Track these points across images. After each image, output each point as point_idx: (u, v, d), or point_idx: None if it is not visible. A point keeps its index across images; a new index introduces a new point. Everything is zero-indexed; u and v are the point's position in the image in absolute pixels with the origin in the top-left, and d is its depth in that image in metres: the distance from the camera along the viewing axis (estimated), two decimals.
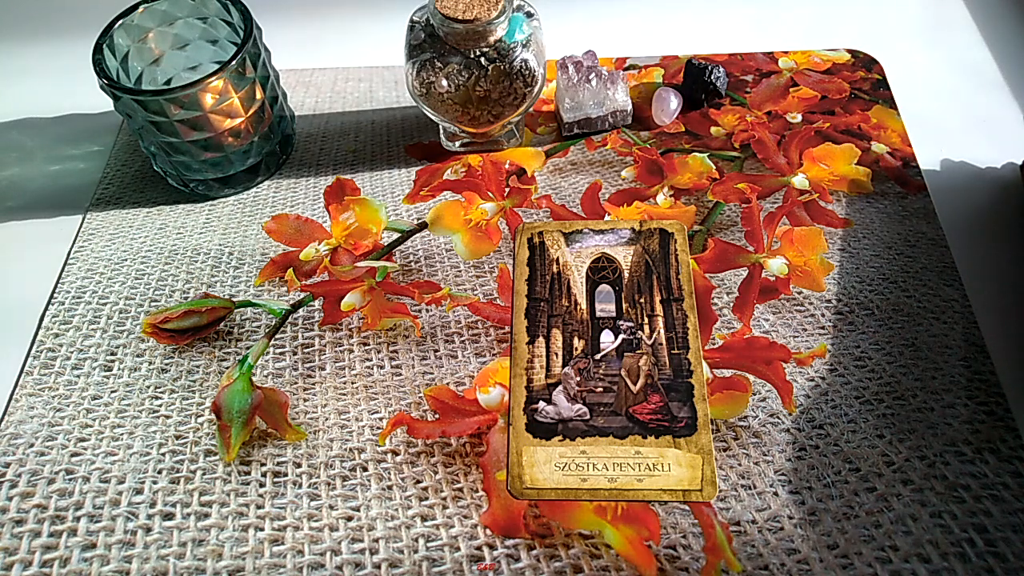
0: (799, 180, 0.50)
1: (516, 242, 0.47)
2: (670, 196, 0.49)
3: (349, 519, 0.37)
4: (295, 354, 0.43)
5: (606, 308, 0.43)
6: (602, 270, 0.45)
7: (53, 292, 0.47)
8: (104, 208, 0.52)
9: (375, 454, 0.39)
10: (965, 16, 0.61)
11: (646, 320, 0.43)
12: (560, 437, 0.39)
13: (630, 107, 0.53)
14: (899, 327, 0.43)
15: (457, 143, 0.52)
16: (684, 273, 0.45)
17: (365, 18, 0.64)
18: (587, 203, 0.49)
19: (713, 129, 0.53)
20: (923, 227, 0.47)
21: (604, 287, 0.44)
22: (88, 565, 0.36)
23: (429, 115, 0.49)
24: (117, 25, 0.47)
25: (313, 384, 0.42)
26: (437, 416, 0.40)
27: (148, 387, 0.42)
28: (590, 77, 0.52)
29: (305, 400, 0.41)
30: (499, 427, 0.40)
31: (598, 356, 0.42)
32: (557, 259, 0.46)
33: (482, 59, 0.45)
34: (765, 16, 0.62)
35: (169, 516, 0.37)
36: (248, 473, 0.39)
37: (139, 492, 0.38)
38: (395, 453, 0.39)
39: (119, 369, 0.43)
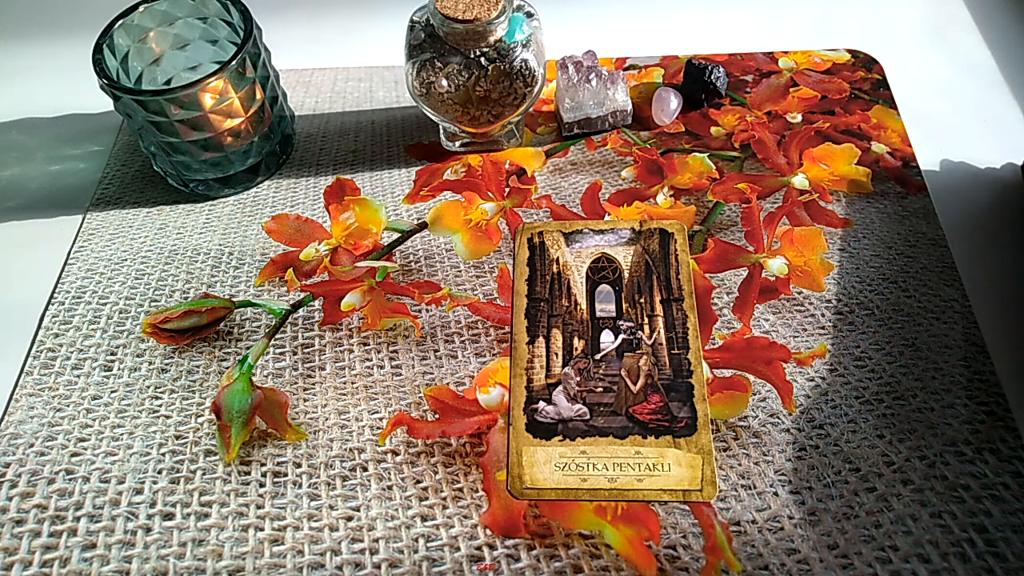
0: (799, 180, 0.50)
1: (516, 242, 0.47)
2: (670, 196, 0.49)
3: (349, 519, 0.37)
4: (295, 354, 0.43)
5: (606, 308, 0.43)
6: (602, 270, 0.45)
7: (53, 292, 0.47)
8: (104, 208, 0.52)
9: (375, 454, 0.39)
10: (965, 16, 0.61)
11: (646, 320, 0.43)
12: (560, 437, 0.39)
13: (630, 107, 0.53)
14: (899, 327, 0.43)
15: (457, 143, 0.52)
16: (684, 273, 0.45)
17: (365, 18, 0.64)
18: (587, 203, 0.49)
19: (713, 129, 0.53)
20: (923, 227, 0.47)
21: (604, 287, 0.44)
22: (88, 565, 0.36)
23: (429, 115, 0.49)
24: (117, 25, 0.47)
25: (313, 384, 0.42)
26: (437, 416, 0.40)
27: (148, 387, 0.42)
28: (590, 77, 0.52)
29: (305, 400, 0.41)
30: (499, 427, 0.40)
31: (598, 356, 0.42)
32: (557, 259, 0.46)
33: (482, 59, 0.45)
34: (765, 16, 0.62)
35: (169, 516, 0.37)
36: (248, 473, 0.39)
37: (139, 492, 0.38)
38: (395, 453, 0.39)
39: (119, 369, 0.43)
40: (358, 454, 0.39)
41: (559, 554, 0.35)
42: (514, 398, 0.40)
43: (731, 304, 0.44)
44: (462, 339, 0.43)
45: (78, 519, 0.37)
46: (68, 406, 0.42)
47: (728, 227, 0.48)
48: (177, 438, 0.40)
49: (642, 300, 0.44)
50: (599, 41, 0.59)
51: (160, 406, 0.41)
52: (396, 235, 0.49)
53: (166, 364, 0.43)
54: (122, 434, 0.40)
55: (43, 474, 0.39)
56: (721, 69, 0.54)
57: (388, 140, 0.55)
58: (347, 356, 0.43)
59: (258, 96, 0.48)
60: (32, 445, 0.40)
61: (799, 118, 0.53)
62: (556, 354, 0.42)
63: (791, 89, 0.55)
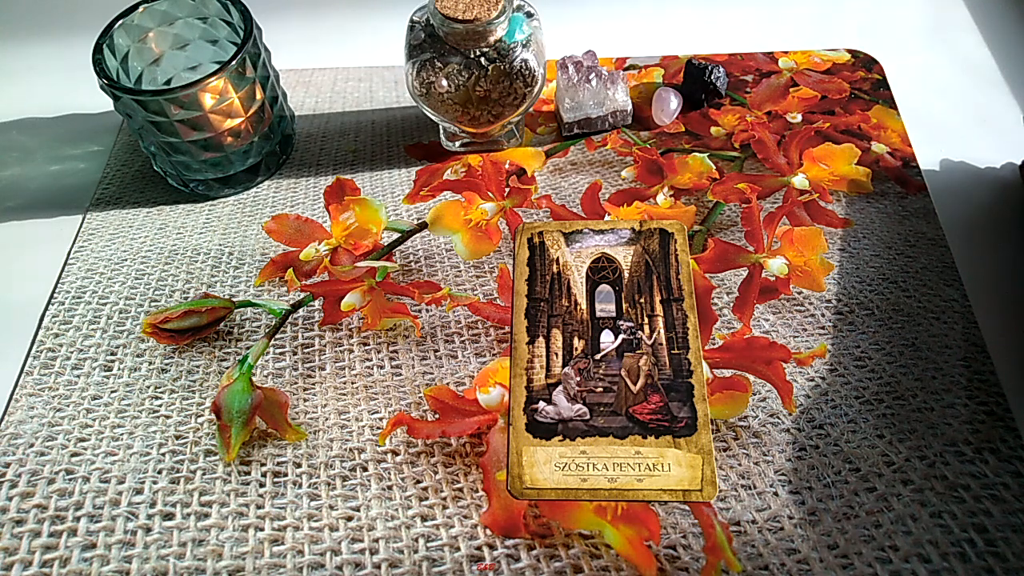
0: (799, 180, 0.50)
1: (516, 242, 0.47)
2: (670, 196, 0.49)
3: (349, 519, 0.37)
4: (295, 354, 0.43)
5: (606, 308, 0.43)
6: (602, 270, 0.45)
7: (53, 292, 0.47)
8: (104, 208, 0.52)
9: (375, 454, 0.39)
10: (965, 16, 0.61)
11: (646, 320, 0.43)
12: (560, 437, 0.39)
13: (630, 107, 0.53)
14: (899, 327, 0.43)
15: (457, 143, 0.52)
16: (684, 273, 0.45)
17: (365, 18, 0.64)
18: (587, 203, 0.49)
19: (713, 129, 0.53)
20: (923, 227, 0.47)
21: (604, 287, 0.44)
22: (88, 565, 0.36)
23: (429, 115, 0.49)
24: (117, 25, 0.47)
25: (313, 384, 0.42)
26: (437, 416, 0.40)
27: (148, 387, 0.42)
28: (590, 77, 0.52)
29: (305, 400, 0.41)
30: (499, 427, 0.40)
31: (598, 356, 0.42)
32: (557, 259, 0.46)
33: (482, 59, 0.45)
34: (765, 16, 0.62)
35: (169, 516, 0.37)
36: (248, 473, 0.39)
37: (139, 492, 0.38)
38: (395, 453, 0.39)
39: (119, 369, 0.43)
40: (358, 454, 0.39)
41: (559, 554, 0.35)
42: (514, 398, 0.40)
43: (731, 304, 0.44)
44: (462, 339, 0.43)
45: (78, 519, 0.37)
46: (68, 406, 0.42)
47: (728, 227, 0.48)
48: (177, 438, 0.40)
49: (642, 300, 0.44)
50: (599, 41, 0.59)
51: (160, 406, 0.41)
52: (396, 235, 0.49)
53: (166, 364, 0.43)
54: (122, 434, 0.40)
55: (43, 474, 0.39)
56: (721, 69, 0.54)
57: (388, 140, 0.55)
58: (347, 356, 0.43)
59: (258, 96, 0.48)
60: (32, 445, 0.40)
61: (799, 118, 0.53)
62: (556, 354, 0.42)
63: (791, 89, 0.55)
